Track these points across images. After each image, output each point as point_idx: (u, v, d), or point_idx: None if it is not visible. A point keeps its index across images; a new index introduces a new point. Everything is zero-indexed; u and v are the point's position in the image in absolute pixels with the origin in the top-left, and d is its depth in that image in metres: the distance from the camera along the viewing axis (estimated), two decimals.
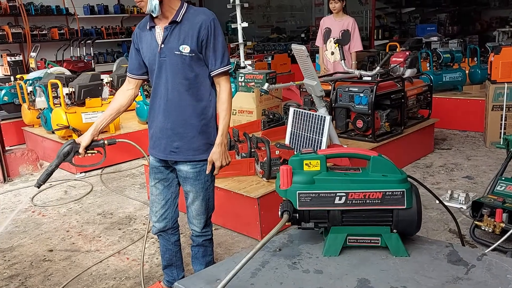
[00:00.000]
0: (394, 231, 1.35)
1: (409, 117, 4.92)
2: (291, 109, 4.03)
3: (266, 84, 3.98)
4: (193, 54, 2.13)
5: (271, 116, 4.94)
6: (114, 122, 5.30)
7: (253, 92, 6.01)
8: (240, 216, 3.37)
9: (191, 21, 2.14)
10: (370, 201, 1.33)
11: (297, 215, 1.37)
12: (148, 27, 2.21)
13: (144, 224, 3.73)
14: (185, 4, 2.19)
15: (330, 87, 4.57)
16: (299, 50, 3.59)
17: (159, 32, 2.18)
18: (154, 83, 2.25)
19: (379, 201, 1.32)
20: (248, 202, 3.24)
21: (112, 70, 8.27)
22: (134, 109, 5.89)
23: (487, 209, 2.96)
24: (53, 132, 5.23)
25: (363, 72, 4.49)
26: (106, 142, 2.30)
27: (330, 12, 5.50)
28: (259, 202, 3.18)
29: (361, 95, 4.17)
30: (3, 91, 6.33)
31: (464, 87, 6.43)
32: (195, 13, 2.17)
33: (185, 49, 2.13)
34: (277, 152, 3.40)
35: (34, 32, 9.79)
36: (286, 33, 12.91)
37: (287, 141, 4.09)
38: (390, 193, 1.32)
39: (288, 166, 1.36)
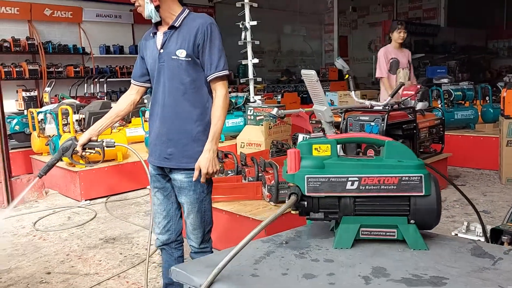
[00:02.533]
0: (412, 221, 1.24)
1: (421, 151, 4.82)
2: (300, 136, 3.98)
3: (276, 109, 3.96)
4: (190, 59, 2.12)
5: (279, 146, 4.88)
6: (122, 151, 5.28)
7: (262, 125, 6.00)
8: None
9: (189, 26, 2.14)
10: (385, 187, 1.23)
11: (306, 203, 1.27)
12: (151, 35, 2.24)
13: (146, 249, 3.59)
14: (186, 10, 2.19)
15: (340, 119, 4.53)
16: (308, 75, 3.58)
17: (159, 37, 2.19)
18: (153, 89, 2.25)
19: (395, 187, 1.23)
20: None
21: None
22: (143, 141, 5.89)
23: (507, 236, 2.79)
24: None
25: (373, 102, 4.45)
26: (104, 144, 2.27)
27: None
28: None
29: (372, 124, 4.11)
30: (15, 121, 6.40)
31: (476, 125, 6.35)
32: (193, 18, 2.16)
33: (182, 53, 2.11)
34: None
35: (50, 69, 10.07)
36: (296, 76, 13.11)
37: None
38: (406, 178, 1.22)
39: (296, 149, 1.28)
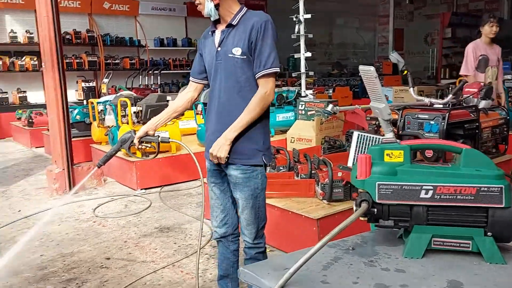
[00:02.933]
0: (489, 234, 1.18)
1: (483, 151, 4.58)
2: (355, 133, 3.89)
3: (330, 105, 3.90)
4: (245, 57, 2.13)
5: (331, 143, 4.81)
6: (176, 144, 5.42)
7: (313, 120, 5.94)
8: (297, 238, 3.22)
9: (245, 24, 2.15)
10: (462, 197, 1.18)
11: (375, 210, 1.25)
12: (210, 33, 2.27)
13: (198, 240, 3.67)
14: (244, 8, 2.19)
15: (397, 116, 4.39)
16: (367, 71, 3.49)
17: (217, 36, 2.22)
18: (211, 86, 2.28)
19: (472, 198, 1.17)
20: (306, 223, 3.10)
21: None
22: (195, 133, 6.01)
23: None
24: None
25: (433, 100, 4.28)
26: (160, 139, 2.32)
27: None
28: (318, 224, 3.03)
29: (432, 122, 3.95)
30: (76, 111, 6.74)
31: None
32: (250, 16, 2.16)
33: (237, 51, 2.13)
34: (339, 174, 3.26)
35: (108, 61, 10.48)
36: (347, 69, 12.85)
37: (349, 165, 3.93)
38: (485, 188, 1.16)
39: (367, 155, 1.25)
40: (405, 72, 4.76)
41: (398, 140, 1.29)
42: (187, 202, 4.74)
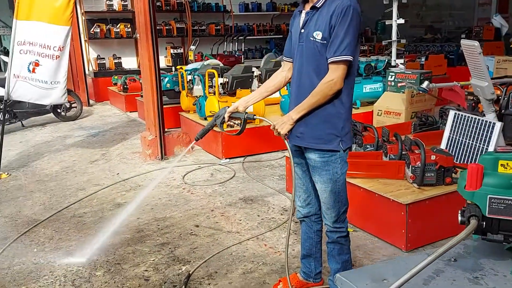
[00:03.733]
0: None
1: None
2: (452, 112, 3.64)
3: (426, 82, 3.65)
4: (325, 42, 2.08)
5: (423, 119, 4.55)
6: (260, 115, 5.47)
7: (403, 92, 5.64)
8: (383, 221, 3.15)
9: (328, 7, 2.08)
10: None
11: (484, 223, 1.16)
12: (298, 12, 2.24)
13: (282, 214, 3.76)
14: None
15: (499, 92, 4.01)
16: (470, 46, 3.20)
17: (302, 17, 2.19)
18: (293, 68, 2.28)
19: None
20: (394, 208, 3.01)
21: (259, 66, 8.62)
22: (279, 103, 6.01)
23: None
24: (205, 119, 5.62)
25: None
26: (245, 116, 2.36)
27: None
28: (407, 209, 2.93)
29: None
30: (166, 79, 7.05)
31: None
32: (334, 0, 2.08)
33: (318, 35, 2.09)
34: (433, 157, 3.09)
35: (195, 27, 10.72)
36: (441, 34, 11.87)
37: (443, 147, 3.71)
38: None
39: (478, 164, 1.16)
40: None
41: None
42: (269, 174, 4.83)
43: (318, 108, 2.15)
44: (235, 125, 2.45)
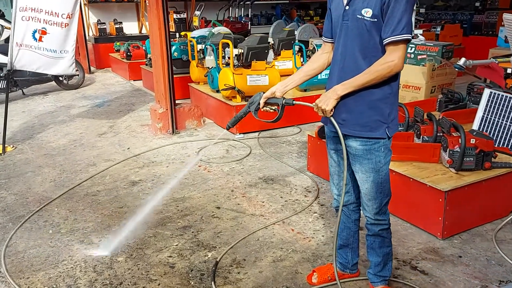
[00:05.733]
0: None
1: None
2: (487, 91, 3.44)
3: (463, 59, 3.43)
4: (375, 20, 1.89)
5: (449, 96, 4.35)
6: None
7: (424, 65, 5.41)
8: (417, 207, 3.01)
9: None
10: None
11: None
12: None
13: (305, 196, 3.62)
14: None
15: None
16: None
17: None
18: (334, 49, 2.10)
19: None
20: (432, 194, 2.86)
21: (267, 33, 8.29)
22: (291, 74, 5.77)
23: None
24: (217, 91, 5.39)
25: None
26: (283, 101, 2.18)
27: None
28: (446, 196, 2.78)
29: None
30: (174, 47, 6.73)
31: None
32: None
33: (367, 13, 1.90)
34: (472, 141, 2.92)
35: None
36: (453, 1, 11.45)
37: (475, 128, 3.54)
38: None
39: None
40: None
41: None
42: (287, 151, 4.66)
43: (364, 90, 1.97)
44: (271, 110, 2.26)
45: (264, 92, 2.24)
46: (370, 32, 1.92)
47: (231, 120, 2.32)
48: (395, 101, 2.06)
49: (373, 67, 1.92)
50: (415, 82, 5.40)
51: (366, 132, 2.04)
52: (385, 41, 1.89)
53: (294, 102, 2.19)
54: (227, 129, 2.40)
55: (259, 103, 2.22)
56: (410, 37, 1.90)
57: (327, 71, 2.22)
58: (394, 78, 1.98)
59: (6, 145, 4.84)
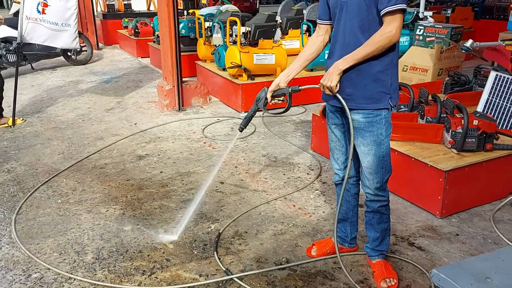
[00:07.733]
0: None
1: None
2: (493, 73, 3.45)
3: (470, 41, 3.43)
4: None
5: (456, 78, 4.35)
6: (282, 68, 5.26)
7: (432, 48, 5.38)
8: (418, 186, 3.06)
9: None
10: None
11: None
12: None
13: (308, 173, 3.68)
14: None
15: None
16: None
17: None
18: (334, 28, 2.16)
19: None
20: (432, 173, 2.90)
21: (276, 12, 8.21)
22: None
23: None
24: (224, 69, 5.41)
25: None
26: (290, 90, 2.24)
27: None
28: (446, 176, 2.83)
29: None
30: (181, 24, 6.73)
31: None
32: None
33: None
34: (475, 122, 2.95)
35: None
36: None
37: (479, 110, 3.55)
38: None
39: None
40: None
41: None
42: (291, 130, 4.70)
43: (365, 63, 2.03)
44: (279, 102, 2.31)
45: (268, 87, 2.29)
46: (369, 7, 1.99)
47: (242, 122, 2.41)
48: (395, 72, 2.13)
49: (372, 39, 1.98)
50: (422, 64, 5.39)
51: (372, 104, 2.10)
52: (382, 12, 1.95)
53: (300, 87, 2.24)
54: (241, 131, 2.48)
55: (266, 98, 2.28)
56: (405, 7, 1.96)
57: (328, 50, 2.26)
58: (392, 48, 2.04)
59: (16, 118, 4.92)
